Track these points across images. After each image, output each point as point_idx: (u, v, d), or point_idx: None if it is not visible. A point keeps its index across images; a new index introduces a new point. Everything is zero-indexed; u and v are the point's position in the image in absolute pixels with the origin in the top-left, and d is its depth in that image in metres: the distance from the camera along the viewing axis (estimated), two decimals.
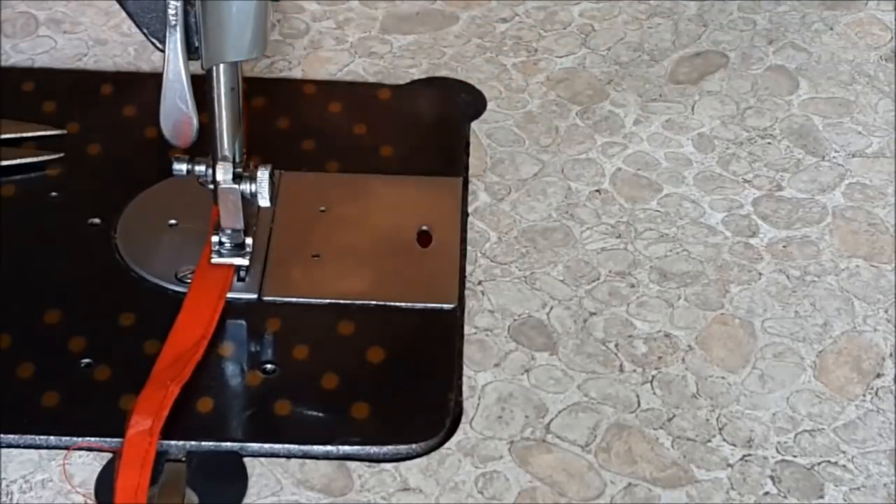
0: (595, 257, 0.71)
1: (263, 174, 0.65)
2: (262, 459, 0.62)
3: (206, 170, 0.66)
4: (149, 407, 0.61)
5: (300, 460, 0.62)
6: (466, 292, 0.69)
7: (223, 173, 0.65)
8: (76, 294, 0.68)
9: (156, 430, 0.60)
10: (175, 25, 0.60)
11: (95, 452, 0.62)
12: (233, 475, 0.61)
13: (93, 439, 0.62)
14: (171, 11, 0.60)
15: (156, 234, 0.70)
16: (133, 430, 0.60)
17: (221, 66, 0.63)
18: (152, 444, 0.60)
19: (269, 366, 0.65)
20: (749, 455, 0.63)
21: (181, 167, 0.66)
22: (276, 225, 0.71)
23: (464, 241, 0.71)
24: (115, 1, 0.61)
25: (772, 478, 0.62)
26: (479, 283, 0.69)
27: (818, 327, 0.68)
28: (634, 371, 0.66)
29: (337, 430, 0.63)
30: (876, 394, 0.65)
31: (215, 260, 0.68)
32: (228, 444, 0.62)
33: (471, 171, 0.75)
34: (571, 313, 0.68)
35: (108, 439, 0.62)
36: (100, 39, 0.81)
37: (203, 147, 0.65)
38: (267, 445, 0.62)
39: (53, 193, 0.73)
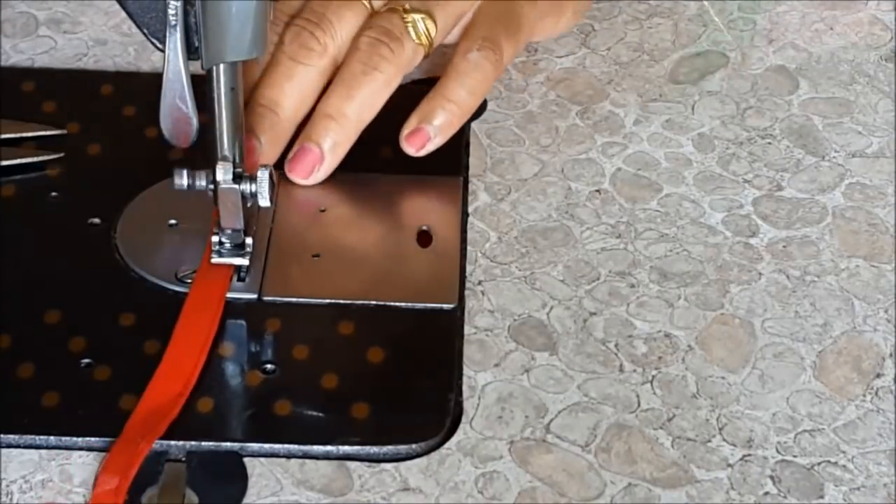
0: (595, 257, 0.71)
1: (263, 174, 0.65)
2: (262, 459, 0.62)
3: (208, 184, 0.65)
4: (116, 466, 0.60)
5: (300, 460, 0.62)
6: (466, 292, 0.69)
7: (223, 173, 0.65)
8: (76, 294, 0.68)
9: (122, 490, 0.59)
10: (175, 25, 0.60)
11: (96, 452, 0.62)
12: (233, 475, 0.61)
13: (93, 439, 0.62)
14: (171, 11, 0.60)
15: (156, 234, 0.70)
16: (99, 489, 0.59)
17: (221, 66, 0.63)
18: None
19: (269, 366, 0.65)
20: (749, 455, 0.63)
21: (182, 182, 0.65)
22: (276, 225, 0.71)
23: (464, 241, 0.71)
24: (115, 1, 0.61)
25: (772, 478, 0.62)
26: (479, 283, 0.69)
27: (818, 327, 0.68)
28: (634, 371, 0.66)
29: (337, 430, 0.63)
30: (876, 394, 0.65)
31: (215, 260, 0.68)
32: (228, 444, 0.62)
33: (471, 171, 0.75)
34: (571, 313, 0.68)
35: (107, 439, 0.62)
36: (100, 39, 0.81)
37: (204, 147, 0.65)
38: (267, 445, 0.62)
39: (53, 193, 0.73)
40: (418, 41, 0.73)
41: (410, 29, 0.73)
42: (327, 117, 0.72)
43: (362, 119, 0.73)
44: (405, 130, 0.73)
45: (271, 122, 0.71)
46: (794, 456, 0.63)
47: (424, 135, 0.73)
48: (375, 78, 0.72)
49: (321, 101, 0.73)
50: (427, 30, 0.73)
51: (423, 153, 0.74)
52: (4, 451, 0.62)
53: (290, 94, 0.72)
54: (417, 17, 0.73)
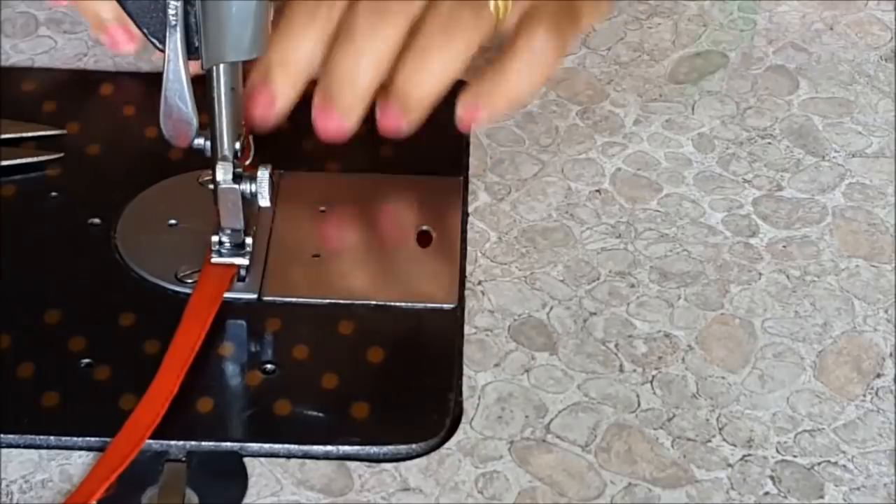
0: (595, 257, 0.71)
1: (263, 174, 0.65)
2: (262, 459, 0.62)
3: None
4: None
5: (300, 460, 0.62)
6: (466, 292, 0.69)
7: (223, 173, 0.65)
8: (76, 294, 0.68)
9: None
10: (175, 25, 0.60)
11: (95, 452, 0.62)
12: (233, 475, 0.61)
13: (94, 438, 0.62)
14: (171, 11, 0.60)
15: (156, 234, 0.70)
16: None
17: (221, 66, 0.63)
18: None
19: (269, 366, 0.65)
20: (749, 455, 0.63)
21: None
22: (276, 225, 0.71)
23: (464, 241, 0.71)
24: (115, 1, 0.61)
25: (772, 478, 0.62)
26: (479, 283, 0.69)
27: (818, 327, 0.68)
28: (634, 371, 0.66)
29: (337, 430, 0.63)
30: (876, 394, 0.65)
31: (215, 260, 0.67)
32: (228, 444, 0.62)
33: (471, 171, 0.75)
34: (571, 313, 0.68)
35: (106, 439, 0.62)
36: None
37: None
38: (267, 445, 0.62)
39: (53, 193, 0.73)
40: (495, 14, 0.69)
41: (491, 2, 0.69)
42: (403, 89, 0.69)
43: (436, 92, 0.70)
44: (461, 106, 0.71)
45: (351, 96, 0.69)
46: (794, 456, 0.63)
47: (476, 115, 0.71)
48: (454, 46, 0.69)
49: (397, 69, 0.69)
50: (505, 8, 0.69)
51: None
52: (4, 451, 0.62)
53: (367, 67, 0.68)
54: None
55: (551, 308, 0.68)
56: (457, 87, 0.78)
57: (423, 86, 0.69)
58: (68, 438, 0.62)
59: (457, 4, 0.69)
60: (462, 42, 0.69)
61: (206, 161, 0.66)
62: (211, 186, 0.66)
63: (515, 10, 0.72)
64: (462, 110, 0.71)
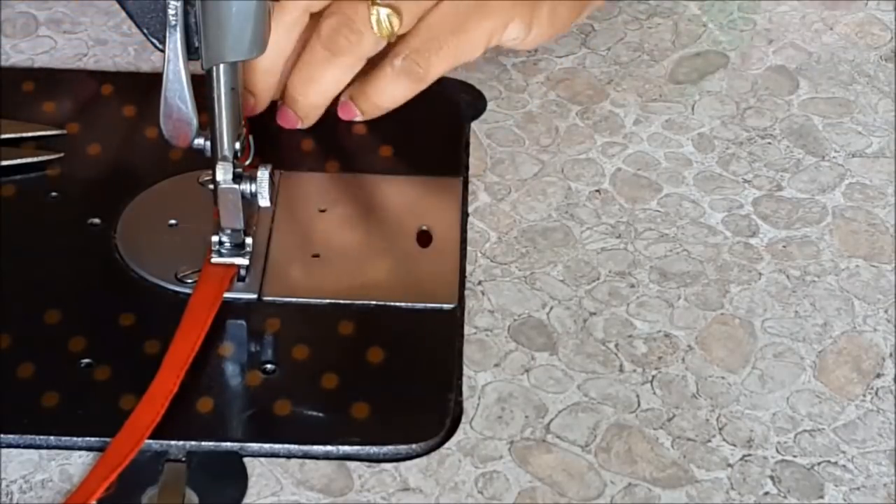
0: (595, 257, 0.71)
1: (263, 174, 0.65)
2: (262, 459, 0.62)
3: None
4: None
5: (300, 460, 0.62)
6: (466, 292, 0.69)
7: (223, 173, 0.65)
8: (76, 294, 0.68)
9: None
10: (175, 25, 0.60)
11: (95, 452, 0.62)
12: (233, 475, 0.61)
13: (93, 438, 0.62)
14: (171, 11, 0.60)
15: (156, 234, 0.70)
16: None
17: (221, 66, 0.63)
18: None
19: (269, 366, 0.65)
20: (749, 455, 0.63)
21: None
22: (276, 225, 0.71)
23: (464, 241, 0.71)
24: (115, 1, 0.61)
25: (772, 478, 0.62)
26: (479, 283, 0.69)
27: (818, 327, 0.68)
28: (634, 371, 0.66)
29: (337, 430, 0.63)
30: (876, 394, 0.65)
31: (215, 260, 0.67)
32: (228, 444, 0.62)
33: (471, 171, 0.75)
34: (571, 313, 0.68)
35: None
36: (100, 39, 0.81)
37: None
38: (267, 445, 0.62)
39: (53, 193, 0.73)
40: (379, 34, 0.74)
41: (374, 21, 0.73)
42: (292, 98, 0.76)
43: (322, 101, 0.76)
44: (339, 104, 0.76)
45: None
46: (794, 456, 0.63)
47: (350, 114, 0.77)
48: (336, 64, 0.75)
49: (287, 82, 0.76)
50: (391, 24, 0.74)
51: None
52: (4, 451, 0.62)
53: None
54: (383, 11, 0.73)
55: (551, 308, 0.68)
56: (456, 88, 0.79)
57: (310, 96, 0.75)
58: (68, 438, 0.62)
59: (336, 24, 0.74)
60: (343, 59, 0.74)
61: (206, 161, 0.66)
62: (211, 186, 0.66)
63: (411, 16, 0.75)
64: (340, 108, 0.76)
